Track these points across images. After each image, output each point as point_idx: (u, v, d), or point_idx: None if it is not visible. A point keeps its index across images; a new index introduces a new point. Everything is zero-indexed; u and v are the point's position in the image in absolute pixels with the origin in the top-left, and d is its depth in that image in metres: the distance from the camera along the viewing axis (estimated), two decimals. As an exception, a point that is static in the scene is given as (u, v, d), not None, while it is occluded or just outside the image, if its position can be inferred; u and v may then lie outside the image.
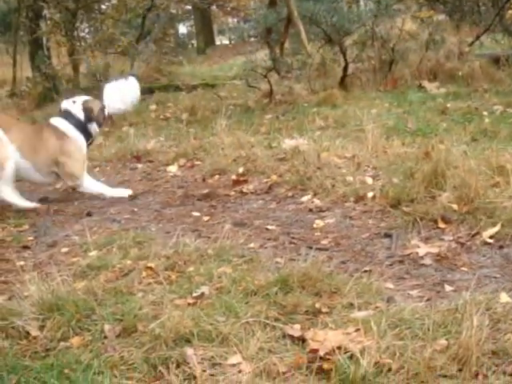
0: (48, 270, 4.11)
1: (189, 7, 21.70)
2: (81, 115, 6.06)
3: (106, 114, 6.36)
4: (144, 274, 3.93)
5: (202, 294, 3.55)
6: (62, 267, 4.10)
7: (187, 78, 14.58)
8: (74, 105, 6.13)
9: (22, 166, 5.82)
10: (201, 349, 2.98)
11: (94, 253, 4.36)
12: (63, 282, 3.75)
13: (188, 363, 2.87)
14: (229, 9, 20.38)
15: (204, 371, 2.82)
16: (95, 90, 12.78)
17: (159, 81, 14.26)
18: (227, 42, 34.69)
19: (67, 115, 6.07)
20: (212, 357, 2.92)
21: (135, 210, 5.50)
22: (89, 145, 6.22)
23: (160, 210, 5.44)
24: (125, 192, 6.01)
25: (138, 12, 15.23)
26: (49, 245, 4.84)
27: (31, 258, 4.56)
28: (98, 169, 7.30)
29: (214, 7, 23.62)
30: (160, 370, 2.86)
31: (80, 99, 6.22)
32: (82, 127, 6.06)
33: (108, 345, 3.12)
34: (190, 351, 2.94)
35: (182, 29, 32.11)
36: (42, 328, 3.31)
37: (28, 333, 3.29)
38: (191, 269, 3.92)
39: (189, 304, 3.44)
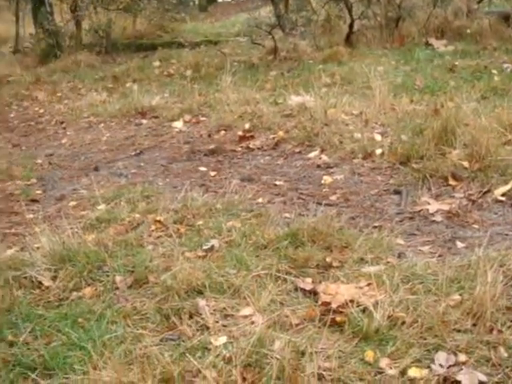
0: (57, 223, 4.12)
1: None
2: None
3: None
4: (153, 227, 3.94)
5: (212, 247, 3.55)
6: (71, 220, 4.08)
7: (190, 35, 14.44)
8: None
9: None
10: (213, 300, 3.00)
11: (102, 206, 4.36)
12: (73, 234, 3.76)
13: (200, 314, 2.89)
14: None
15: (216, 322, 2.84)
16: (97, 47, 12.82)
17: (162, 38, 14.12)
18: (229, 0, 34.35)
19: None
20: (224, 308, 2.94)
21: (142, 164, 5.49)
22: None
23: (166, 165, 5.42)
24: None
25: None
26: (57, 198, 4.85)
27: (40, 211, 4.56)
28: (102, 124, 7.26)
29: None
30: (173, 321, 2.88)
31: None
32: None
33: (120, 295, 3.15)
34: (202, 302, 2.96)
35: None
36: (54, 278, 3.34)
37: (40, 283, 3.31)
38: (200, 222, 3.93)
39: (199, 257, 3.45)
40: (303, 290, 3.08)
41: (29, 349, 2.75)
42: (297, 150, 5.52)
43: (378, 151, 5.17)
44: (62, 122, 7.71)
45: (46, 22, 12.72)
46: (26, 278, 3.36)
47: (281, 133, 5.85)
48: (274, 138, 5.82)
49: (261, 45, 10.72)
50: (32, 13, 13.82)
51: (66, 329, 2.84)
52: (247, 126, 6.16)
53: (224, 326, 2.82)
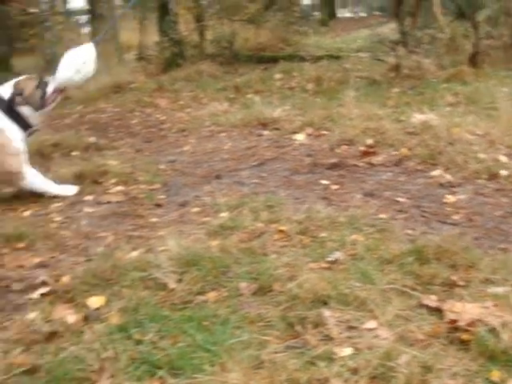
0: (180, 228, 4.18)
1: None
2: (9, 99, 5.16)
3: (52, 88, 5.25)
4: (276, 236, 3.96)
5: (336, 259, 3.54)
6: (194, 226, 4.16)
7: (311, 48, 14.46)
8: (5, 88, 5.21)
9: None
10: (337, 311, 2.98)
11: (225, 214, 4.41)
12: (197, 239, 3.81)
13: (325, 324, 2.88)
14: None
15: (341, 333, 2.83)
16: (220, 57, 13.04)
17: (284, 50, 14.19)
18: (349, 15, 34.39)
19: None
20: (348, 320, 2.92)
21: (263, 175, 5.51)
22: (29, 134, 5.34)
23: (288, 177, 5.42)
24: (72, 189, 5.39)
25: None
26: (180, 204, 4.92)
27: (163, 215, 4.66)
28: (224, 134, 7.35)
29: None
30: (297, 329, 2.88)
31: (16, 80, 5.30)
32: (14, 115, 5.14)
33: (244, 301, 3.17)
34: (327, 313, 2.95)
35: (305, 0, 31.94)
36: (179, 281, 3.39)
37: (166, 285, 3.37)
38: (323, 234, 3.92)
39: (323, 268, 3.44)
40: (428, 307, 3.04)
41: (155, 348, 2.80)
42: (419, 167, 5.43)
43: (504, 173, 5.06)
44: (183, 130, 7.84)
45: (171, 31, 13.01)
46: (151, 279, 3.43)
47: (404, 150, 5.78)
48: (396, 154, 5.76)
49: (383, 61, 10.65)
50: (157, 21, 14.16)
51: (191, 331, 2.89)
52: (370, 141, 6.12)
53: (348, 337, 2.80)
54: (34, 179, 5.25)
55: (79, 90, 11.33)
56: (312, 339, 2.79)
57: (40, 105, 5.19)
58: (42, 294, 3.49)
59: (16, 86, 5.16)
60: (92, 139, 7.61)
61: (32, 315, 3.19)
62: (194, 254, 3.57)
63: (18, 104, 5.09)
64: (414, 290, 3.18)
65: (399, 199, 4.69)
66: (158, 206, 4.94)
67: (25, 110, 5.13)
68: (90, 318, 3.15)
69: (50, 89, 5.23)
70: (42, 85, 5.22)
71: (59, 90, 5.29)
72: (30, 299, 3.46)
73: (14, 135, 5.09)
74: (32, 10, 8.70)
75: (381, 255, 3.55)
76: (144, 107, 9.82)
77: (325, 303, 3.05)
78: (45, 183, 5.30)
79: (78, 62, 5.21)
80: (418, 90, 8.70)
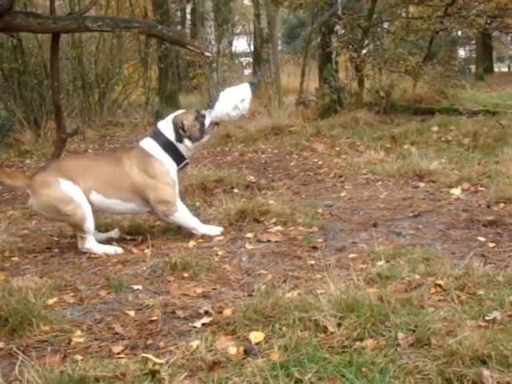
0: (337, 273, 4.23)
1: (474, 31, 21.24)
2: (170, 134, 5.53)
3: (209, 121, 5.58)
4: (433, 290, 3.96)
5: (495, 318, 3.49)
6: (351, 272, 4.20)
7: (467, 102, 14.34)
8: (166, 123, 5.61)
9: (109, 204, 5.47)
10: (497, 372, 2.94)
11: (382, 262, 4.44)
12: (355, 285, 3.87)
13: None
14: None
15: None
16: (377, 106, 13.14)
17: (440, 103, 14.16)
18: (505, 70, 33.73)
19: (156, 135, 5.59)
20: (508, 382, 2.88)
21: (419, 227, 5.51)
22: (181, 167, 5.66)
23: (444, 231, 5.39)
24: (216, 230, 5.59)
25: (424, 34, 15.29)
26: (337, 249, 5.02)
27: (320, 258, 4.73)
28: (380, 182, 7.40)
29: (495, 33, 23.02)
30: (456, 386, 2.85)
31: (173, 114, 5.71)
32: (171, 147, 5.50)
33: (402, 352, 3.18)
34: (486, 372, 2.90)
35: (461, 53, 31.65)
36: (338, 325, 3.44)
37: (326, 327, 3.44)
38: (481, 292, 3.87)
39: (481, 326, 3.40)
40: None
41: (314, 388, 2.86)
42: None
43: None
44: (340, 176, 7.97)
45: (332, 78, 13.31)
46: (311, 320, 3.51)
47: None
48: (556, 215, 5.63)
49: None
50: (318, 68, 14.47)
51: (350, 375, 2.93)
52: (528, 201, 6.01)
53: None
54: (185, 213, 5.58)
55: (240, 130, 11.77)
56: (470, 397, 2.76)
57: (199, 136, 5.55)
58: (205, 324, 3.67)
59: (176, 119, 5.56)
60: (252, 178, 7.88)
61: (195, 343, 3.34)
62: (353, 299, 3.62)
63: (181, 136, 5.49)
64: None
65: (560, 262, 4.56)
66: (316, 248, 5.05)
67: (185, 144, 5.52)
68: (251, 352, 3.26)
69: (207, 121, 5.58)
70: (200, 117, 5.58)
71: (215, 123, 5.65)
72: (194, 327, 3.64)
73: (171, 167, 5.47)
74: (207, 54, 9.12)
75: (542, 319, 3.45)
76: (302, 150, 10.07)
77: (484, 362, 3.01)
78: (193, 220, 5.61)
79: (237, 99, 5.53)
80: None
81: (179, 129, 5.48)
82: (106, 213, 5.96)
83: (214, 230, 5.60)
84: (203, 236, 5.52)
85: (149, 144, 5.51)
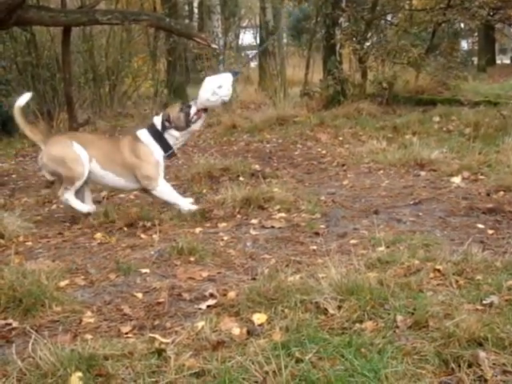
0: (339, 258, 4.34)
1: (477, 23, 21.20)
2: (159, 125, 6.27)
3: (194, 110, 6.23)
4: (432, 275, 4.06)
5: (492, 302, 3.57)
6: (352, 257, 4.30)
7: (469, 93, 14.37)
8: (158, 116, 6.41)
9: (102, 174, 6.23)
10: (493, 354, 3.03)
11: (382, 248, 4.55)
12: (356, 270, 3.98)
13: (479, 365, 2.93)
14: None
15: (495, 376, 2.88)
16: (379, 97, 13.22)
17: (442, 94, 14.22)
18: (508, 62, 33.71)
19: (150, 126, 6.34)
20: (504, 364, 2.96)
21: (420, 214, 5.61)
22: (171, 154, 6.34)
23: (444, 218, 5.49)
24: (189, 205, 6.18)
25: (427, 25, 15.34)
26: (339, 235, 5.14)
27: (322, 244, 4.84)
28: (381, 171, 7.51)
29: (498, 25, 23.01)
30: (452, 367, 2.95)
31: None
32: (159, 137, 6.24)
33: (400, 334, 3.28)
34: (482, 354, 2.99)
35: (464, 45, 31.62)
36: (338, 308, 3.56)
37: (326, 310, 3.55)
38: (479, 277, 3.97)
39: (478, 310, 3.49)
40: None
41: (314, 367, 2.97)
42: None
43: None
44: (343, 165, 8.10)
45: (336, 70, 13.40)
46: (312, 303, 3.62)
47: None
48: (551, 203, 5.71)
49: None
50: (323, 60, 14.55)
51: (349, 356, 3.03)
52: (527, 189, 6.09)
53: (503, 381, 2.85)
54: (165, 189, 6.24)
55: (246, 120, 11.86)
56: (466, 378, 2.86)
57: (184, 126, 6.25)
58: (209, 306, 3.80)
59: (164, 112, 6.39)
60: (257, 167, 8.00)
61: (200, 324, 3.46)
62: (354, 283, 3.72)
63: (167, 128, 6.23)
64: None
65: (557, 249, 4.64)
66: (318, 234, 5.17)
67: (171, 133, 6.26)
68: (254, 332, 3.38)
69: (192, 111, 6.24)
70: (185, 108, 6.27)
71: (202, 111, 6.27)
72: (199, 309, 3.77)
73: (155, 150, 6.22)
74: (214, 46, 9.26)
75: (538, 303, 3.54)
76: (306, 140, 10.20)
77: (480, 344, 3.10)
78: (173, 195, 6.26)
79: (215, 86, 6.15)
80: None
81: (165, 121, 6.22)
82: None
83: (189, 204, 6.21)
84: (210, 221, 5.75)
85: (142, 133, 6.27)
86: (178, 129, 6.23)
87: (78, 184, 6.10)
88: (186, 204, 6.18)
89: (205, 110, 6.28)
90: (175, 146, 6.31)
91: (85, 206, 6.18)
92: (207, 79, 6.33)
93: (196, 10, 24.81)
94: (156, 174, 6.18)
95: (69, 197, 6.08)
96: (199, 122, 6.29)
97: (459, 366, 2.95)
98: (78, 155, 6.06)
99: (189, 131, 6.32)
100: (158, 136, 6.22)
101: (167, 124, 6.21)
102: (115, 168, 6.19)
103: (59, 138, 6.45)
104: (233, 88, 6.47)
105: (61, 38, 8.27)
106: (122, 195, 7.08)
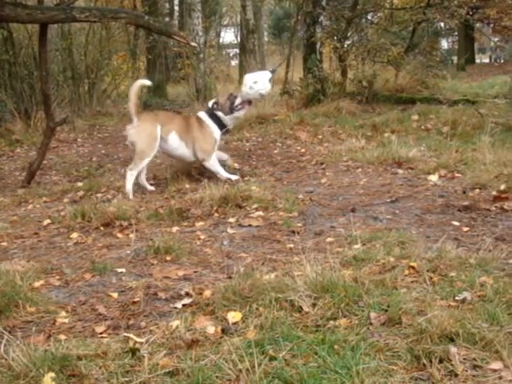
0: (315, 256, 4.36)
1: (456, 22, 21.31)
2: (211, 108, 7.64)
3: (239, 100, 7.59)
4: (406, 272, 4.09)
5: (465, 298, 3.61)
6: (328, 254, 4.32)
7: (448, 92, 14.50)
8: (212, 102, 7.79)
9: (179, 144, 7.47)
10: (464, 349, 3.06)
11: (358, 246, 4.58)
12: (331, 267, 4.00)
13: (450, 360, 2.96)
14: (499, 27, 19.77)
15: (466, 371, 2.91)
16: (359, 96, 13.27)
17: (421, 93, 14.32)
18: (486, 61, 33.94)
19: (206, 109, 7.73)
20: (474, 359, 2.99)
21: (396, 212, 5.65)
22: (225, 131, 7.72)
23: (420, 215, 5.53)
24: (235, 177, 7.26)
25: (407, 24, 15.43)
26: (316, 233, 5.16)
27: (299, 242, 4.89)
28: (360, 169, 7.54)
29: (478, 25, 23.14)
30: (423, 362, 2.98)
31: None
32: (214, 117, 7.57)
33: (373, 331, 3.31)
34: (453, 349, 3.02)
35: (444, 44, 31.80)
36: (313, 305, 3.59)
37: (301, 308, 3.58)
38: (453, 274, 4.00)
39: (451, 306, 3.53)
40: None
41: (288, 365, 2.99)
42: (554, 216, 5.39)
43: None
44: (321, 163, 8.12)
45: (316, 68, 13.43)
46: (286, 301, 3.64)
47: (538, 197, 5.76)
48: (529, 201, 5.75)
49: (521, 108, 10.58)
50: (303, 59, 14.57)
51: (322, 353, 3.06)
52: (502, 186, 6.11)
53: (473, 375, 2.88)
54: (215, 163, 7.48)
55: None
56: (437, 373, 2.88)
57: (228, 111, 7.58)
58: (185, 305, 3.81)
59: (215, 100, 7.75)
60: (236, 165, 8.03)
61: (175, 323, 3.47)
62: (329, 281, 3.75)
63: (214, 109, 7.56)
64: None
65: (531, 246, 4.67)
66: (295, 232, 5.19)
67: (220, 115, 7.56)
68: (228, 331, 3.39)
69: (237, 100, 7.60)
70: (231, 98, 7.64)
71: (245, 102, 7.63)
72: (175, 308, 3.78)
73: (213, 129, 7.55)
74: (193, 44, 9.29)
75: (509, 299, 3.57)
76: (285, 139, 10.24)
77: (452, 340, 3.13)
78: (220, 168, 7.48)
79: (251, 81, 7.50)
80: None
81: (214, 103, 7.63)
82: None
83: (233, 176, 7.30)
84: (188, 220, 5.76)
85: (201, 114, 7.68)
86: (224, 113, 7.54)
87: (146, 161, 7.24)
88: (229, 176, 7.32)
89: (249, 101, 7.68)
90: (227, 125, 7.61)
91: (131, 190, 7.08)
92: (246, 76, 7.80)
93: (177, 8, 24.76)
94: (211, 149, 7.49)
95: (130, 177, 7.10)
96: (242, 110, 7.69)
97: (431, 361, 2.97)
98: (156, 136, 7.23)
99: (233, 116, 7.65)
100: (214, 117, 7.54)
101: (215, 106, 7.56)
102: (187, 139, 7.44)
103: (147, 116, 7.47)
104: (270, 84, 7.72)
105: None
106: (98, 194, 7.07)
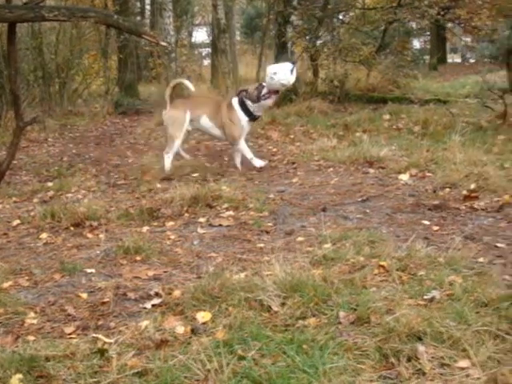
0: (285, 255, 4.38)
1: (426, 23, 21.40)
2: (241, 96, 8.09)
3: (266, 90, 7.96)
4: (376, 271, 4.11)
5: (433, 297, 3.64)
6: (299, 254, 4.34)
7: (419, 92, 14.58)
8: (240, 89, 8.39)
9: (210, 125, 8.19)
10: (432, 348, 3.08)
11: (328, 245, 4.60)
12: (301, 267, 4.01)
13: (418, 359, 2.98)
14: (469, 27, 19.90)
15: (433, 369, 2.92)
16: (331, 95, 13.30)
17: (393, 92, 14.38)
18: (458, 61, 34.16)
19: (238, 96, 8.16)
20: (442, 357, 3.01)
21: (367, 211, 5.67)
22: (253, 118, 8.14)
23: (391, 215, 5.56)
24: (262, 163, 7.93)
25: (379, 24, 15.50)
26: (286, 232, 5.17)
27: (270, 242, 4.90)
28: (331, 169, 7.57)
29: (449, 25, 23.26)
30: (391, 361, 2.99)
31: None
32: (243, 104, 8.03)
33: (342, 330, 3.32)
34: (421, 348, 3.04)
35: (416, 44, 31.96)
36: (282, 305, 3.60)
37: (270, 307, 3.58)
38: (422, 273, 4.03)
39: (420, 305, 3.55)
40: None
41: (256, 365, 2.99)
42: (521, 215, 5.43)
43: None
44: (293, 163, 8.15)
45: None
46: (256, 300, 3.65)
47: (506, 196, 5.79)
48: (498, 200, 5.78)
49: (491, 108, 10.65)
50: (275, 58, 14.58)
51: (291, 352, 3.06)
52: (472, 186, 6.16)
53: (440, 374, 2.89)
54: (243, 147, 8.09)
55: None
56: (405, 372, 2.90)
57: (255, 100, 7.97)
58: (155, 305, 3.80)
59: (242, 89, 8.27)
60: (207, 165, 8.03)
61: (145, 323, 3.47)
62: (298, 280, 3.76)
63: (243, 97, 8.02)
64: (508, 334, 3.21)
65: (498, 245, 4.70)
66: (266, 232, 5.20)
67: (248, 103, 8.00)
68: (197, 330, 3.39)
69: (264, 90, 7.97)
70: (259, 87, 8.03)
71: (272, 91, 7.98)
72: (144, 308, 3.77)
73: (241, 116, 8.04)
74: (163, 44, 9.27)
75: (477, 298, 3.59)
76: (257, 138, 10.26)
77: (420, 339, 3.15)
78: (248, 152, 8.07)
79: (271, 72, 7.90)
80: (524, 139, 8.68)
81: (243, 91, 8.12)
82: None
83: (260, 162, 7.93)
84: (158, 220, 5.75)
85: (233, 100, 8.14)
86: (252, 101, 7.97)
87: (177, 143, 8.00)
88: (258, 161, 7.92)
89: (276, 91, 8.06)
90: (255, 112, 8.04)
91: (171, 169, 7.90)
92: (268, 67, 8.33)
93: (148, 7, 24.64)
94: (239, 135, 8.05)
95: (167, 159, 7.91)
96: (269, 100, 8.03)
97: (399, 360, 2.99)
98: (184, 121, 8.03)
99: (260, 104, 8.03)
100: (243, 104, 8.00)
101: (244, 94, 8.02)
102: (217, 121, 8.12)
103: (177, 103, 8.28)
104: (293, 74, 7.97)
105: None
106: (69, 194, 7.02)
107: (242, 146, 8.07)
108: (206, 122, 8.18)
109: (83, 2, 18.14)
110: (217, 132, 8.27)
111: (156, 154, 8.64)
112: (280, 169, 7.92)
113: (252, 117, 8.10)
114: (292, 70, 7.96)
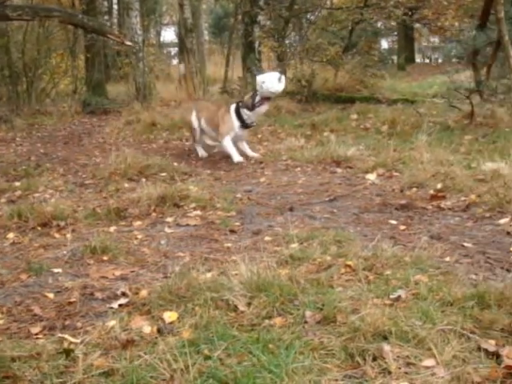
0: (252, 255, 4.39)
1: (393, 23, 21.59)
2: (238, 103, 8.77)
3: (258, 98, 8.50)
4: (343, 270, 4.12)
5: (399, 297, 3.66)
6: (266, 254, 4.35)
7: (387, 92, 14.69)
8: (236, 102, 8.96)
9: (208, 128, 9.04)
10: (397, 347, 3.09)
11: (295, 245, 4.61)
12: (268, 267, 4.02)
13: (384, 358, 2.99)
14: (435, 27, 20.08)
15: (399, 368, 2.94)
16: (299, 95, 13.33)
17: (360, 92, 14.46)
18: (426, 61, 34.45)
19: (236, 103, 8.83)
20: (407, 356, 3.03)
21: (334, 211, 5.70)
22: (245, 126, 8.65)
23: (358, 214, 5.59)
24: (239, 158, 8.44)
25: (346, 24, 15.58)
26: (253, 232, 5.18)
27: (237, 241, 4.91)
28: (299, 168, 7.60)
29: (418, 25, 23.47)
30: (357, 360, 3.01)
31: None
32: (237, 111, 8.64)
33: (308, 329, 3.33)
34: (386, 347, 3.06)
35: (384, 44, 32.17)
36: (248, 304, 3.60)
37: (236, 307, 3.58)
38: (388, 272, 4.05)
39: (385, 304, 3.56)
40: (486, 351, 3.09)
41: (222, 364, 2.99)
42: (487, 214, 5.46)
43: None
44: (261, 162, 8.19)
45: (254, 67, 13.47)
46: (222, 300, 3.64)
47: (472, 196, 5.85)
48: (465, 200, 5.83)
49: (457, 108, 10.75)
50: (242, 58, 14.62)
51: (257, 352, 3.06)
52: (439, 185, 6.22)
53: (406, 373, 2.91)
54: (228, 144, 8.63)
55: (165, 118, 11.82)
56: (371, 371, 2.91)
57: (250, 107, 8.55)
58: (121, 305, 3.78)
59: (242, 97, 9.27)
60: (175, 165, 8.01)
61: (111, 323, 3.45)
62: (264, 280, 3.77)
63: (240, 107, 8.61)
64: (473, 333, 3.24)
65: (465, 244, 4.74)
66: (233, 232, 5.21)
67: (244, 111, 8.58)
68: (164, 330, 3.38)
69: (257, 98, 8.51)
70: (253, 95, 8.58)
71: (264, 99, 8.51)
72: (111, 308, 3.76)
73: (234, 119, 8.62)
74: (128, 43, 9.28)
75: (443, 297, 3.62)
76: (224, 138, 10.16)
77: (385, 338, 3.17)
78: (232, 150, 8.58)
79: (260, 81, 8.40)
80: (490, 139, 8.80)
81: (239, 101, 8.78)
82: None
83: (239, 159, 8.43)
84: (125, 220, 5.74)
85: (231, 106, 8.75)
86: (247, 109, 8.54)
87: (193, 133, 9.21)
88: (238, 158, 8.42)
89: (267, 98, 8.56)
90: (248, 120, 8.59)
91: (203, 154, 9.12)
92: (257, 77, 8.71)
93: (115, 7, 24.52)
94: (226, 133, 8.61)
95: (197, 147, 9.19)
96: (262, 107, 8.60)
97: (364, 359, 3.00)
98: (190, 118, 9.17)
99: (255, 112, 8.59)
100: (238, 111, 8.62)
101: (240, 104, 8.66)
102: (213, 124, 8.85)
103: (187, 105, 9.99)
104: (282, 83, 8.46)
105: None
106: (36, 194, 6.95)
107: (227, 143, 8.62)
108: (204, 123, 9.05)
109: (49, 1, 17.99)
110: (212, 134, 9.00)
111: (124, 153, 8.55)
112: (247, 168, 7.94)
113: (244, 124, 8.64)
114: (280, 79, 8.40)
